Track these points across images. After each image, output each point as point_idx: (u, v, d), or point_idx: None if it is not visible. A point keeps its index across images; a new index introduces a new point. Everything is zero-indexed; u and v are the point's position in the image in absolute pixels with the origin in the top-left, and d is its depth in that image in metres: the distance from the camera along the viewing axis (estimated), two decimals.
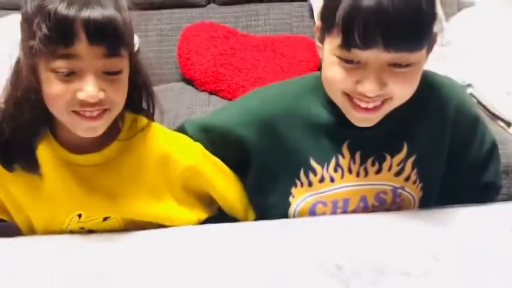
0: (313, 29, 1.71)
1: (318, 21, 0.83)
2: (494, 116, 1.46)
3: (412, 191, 0.91)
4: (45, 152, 0.80)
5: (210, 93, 1.57)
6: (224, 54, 1.60)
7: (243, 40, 1.64)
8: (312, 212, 0.91)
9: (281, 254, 0.79)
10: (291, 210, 0.91)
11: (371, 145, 0.87)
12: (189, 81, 1.62)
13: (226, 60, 1.58)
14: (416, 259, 0.77)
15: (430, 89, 0.87)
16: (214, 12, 1.76)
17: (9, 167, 0.80)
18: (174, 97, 1.52)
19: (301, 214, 0.91)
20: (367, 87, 0.76)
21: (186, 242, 0.83)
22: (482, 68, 1.50)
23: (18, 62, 0.77)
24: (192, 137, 0.90)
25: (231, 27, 1.70)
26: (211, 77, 1.57)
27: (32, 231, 0.87)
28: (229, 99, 1.53)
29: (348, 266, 0.74)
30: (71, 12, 0.69)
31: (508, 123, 1.45)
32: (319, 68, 1.74)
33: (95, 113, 0.74)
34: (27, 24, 0.72)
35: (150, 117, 0.85)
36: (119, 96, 0.75)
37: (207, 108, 1.47)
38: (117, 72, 0.74)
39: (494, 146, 0.95)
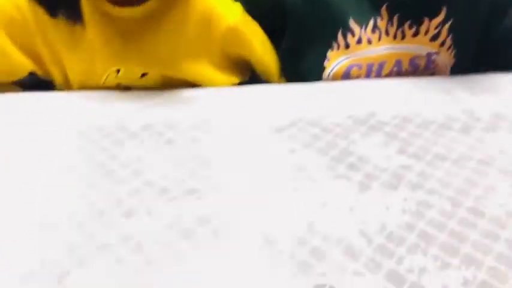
0: None
1: None
2: None
3: (446, 57, 0.92)
4: (86, 3, 0.78)
5: None
6: None
7: None
8: (346, 75, 0.91)
9: (328, 111, 0.79)
10: (325, 74, 0.91)
11: (409, 7, 0.86)
12: None
13: None
14: (456, 115, 0.79)
15: None
16: None
17: (52, 12, 0.78)
18: None
19: (335, 78, 0.91)
20: None
21: (225, 102, 0.84)
22: None
23: None
24: None
25: None
26: None
27: (67, 87, 0.87)
28: None
29: (392, 121, 0.76)
30: None
31: None
32: None
33: None
34: None
35: None
36: None
37: None
38: None
39: None
